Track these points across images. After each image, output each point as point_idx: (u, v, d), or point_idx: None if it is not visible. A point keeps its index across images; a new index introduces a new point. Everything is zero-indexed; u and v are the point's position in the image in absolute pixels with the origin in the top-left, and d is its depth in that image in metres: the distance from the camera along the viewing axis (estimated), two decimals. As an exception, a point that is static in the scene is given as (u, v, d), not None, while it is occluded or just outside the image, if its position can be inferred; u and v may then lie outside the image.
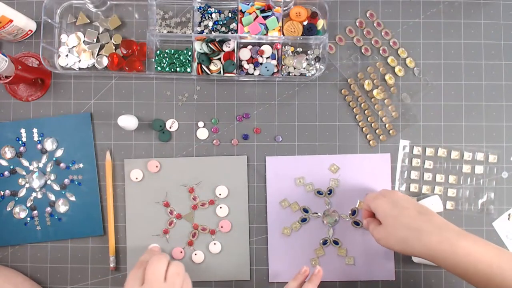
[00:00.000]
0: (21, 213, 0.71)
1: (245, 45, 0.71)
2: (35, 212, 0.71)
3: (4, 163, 0.72)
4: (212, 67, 0.71)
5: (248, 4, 0.70)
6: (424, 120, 0.73)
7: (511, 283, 0.54)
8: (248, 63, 0.71)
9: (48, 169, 0.72)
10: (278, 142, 0.73)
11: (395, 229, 0.60)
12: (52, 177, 0.72)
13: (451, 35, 0.73)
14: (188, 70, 0.71)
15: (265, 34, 0.70)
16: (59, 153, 0.72)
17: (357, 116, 0.73)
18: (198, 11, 0.71)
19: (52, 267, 0.72)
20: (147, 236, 0.71)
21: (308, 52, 0.72)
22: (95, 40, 0.73)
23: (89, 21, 0.73)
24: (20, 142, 0.72)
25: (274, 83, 0.73)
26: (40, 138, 0.72)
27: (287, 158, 0.72)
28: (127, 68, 0.71)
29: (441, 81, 0.73)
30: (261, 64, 0.71)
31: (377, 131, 0.73)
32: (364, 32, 0.73)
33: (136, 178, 0.72)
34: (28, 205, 0.71)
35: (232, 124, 0.73)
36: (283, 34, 0.71)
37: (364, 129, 0.73)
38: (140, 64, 0.71)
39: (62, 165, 0.72)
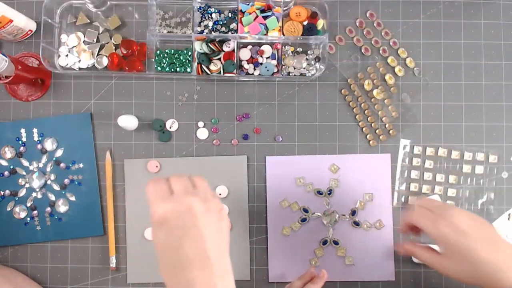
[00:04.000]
0: (21, 213, 0.71)
1: (245, 45, 0.71)
2: (35, 212, 0.71)
3: (4, 163, 0.72)
4: (212, 67, 0.71)
5: (248, 4, 0.70)
6: (424, 120, 0.73)
7: None
8: (248, 63, 0.71)
9: (48, 169, 0.72)
10: (278, 142, 0.73)
11: (465, 264, 0.52)
12: (52, 177, 0.72)
13: (451, 35, 0.73)
14: (188, 70, 0.71)
15: (265, 34, 0.70)
16: (59, 153, 0.72)
17: (357, 116, 0.73)
18: (198, 11, 0.71)
19: (52, 267, 0.72)
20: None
21: (308, 52, 0.72)
22: (95, 40, 0.73)
23: (89, 21, 0.73)
24: (20, 142, 0.72)
25: (274, 83, 0.73)
26: (40, 138, 0.72)
27: (287, 158, 0.72)
28: (127, 68, 0.71)
29: (441, 81, 0.73)
30: (261, 64, 0.71)
31: (377, 131, 0.73)
32: (364, 32, 0.73)
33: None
34: (28, 205, 0.71)
35: (232, 124, 0.73)
36: (283, 34, 0.71)
37: (364, 129, 0.73)
38: (140, 64, 0.71)
39: (62, 165, 0.72)
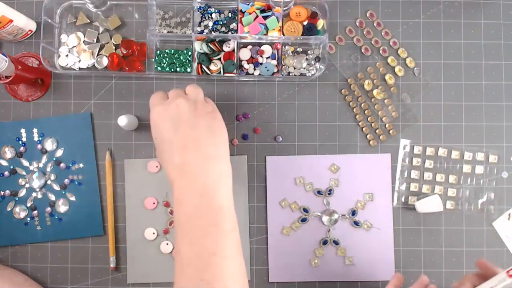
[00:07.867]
0: (21, 213, 0.71)
1: (245, 45, 0.71)
2: (35, 212, 0.71)
3: (4, 163, 0.72)
4: (212, 67, 0.71)
5: (248, 4, 0.70)
6: (424, 120, 0.73)
7: None
8: (248, 63, 0.71)
9: (48, 169, 0.72)
10: (278, 142, 0.73)
11: None
12: (52, 177, 0.72)
13: (451, 35, 0.73)
14: (188, 70, 0.71)
15: (265, 34, 0.70)
16: (59, 153, 0.72)
17: (357, 116, 0.73)
18: (198, 11, 0.71)
19: (52, 267, 0.72)
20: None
21: (308, 52, 0.72)
22: (95, 40, 0.73)
23: (89, 21, 0.73)
24: (20, 142, 0.72)
25: (274, 83, 0.73)
26: (40, 138, 0.72)
27: (287, 158, 0.72)
28: (127, 68, 0.71)
29: (441, 81, 0.73)
30: (261, 64, 0.71)
31: (377, 131, 0.73)
32: (364, 32, 0.73)
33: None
34: (28, 205, 0.72)
35: (232, 124, 0.73)
36: (283, 34, 0.71)
37: (364, 129, 0.73)
38: (140, 64, 0.71)
39: (62, 165, 0.72)
